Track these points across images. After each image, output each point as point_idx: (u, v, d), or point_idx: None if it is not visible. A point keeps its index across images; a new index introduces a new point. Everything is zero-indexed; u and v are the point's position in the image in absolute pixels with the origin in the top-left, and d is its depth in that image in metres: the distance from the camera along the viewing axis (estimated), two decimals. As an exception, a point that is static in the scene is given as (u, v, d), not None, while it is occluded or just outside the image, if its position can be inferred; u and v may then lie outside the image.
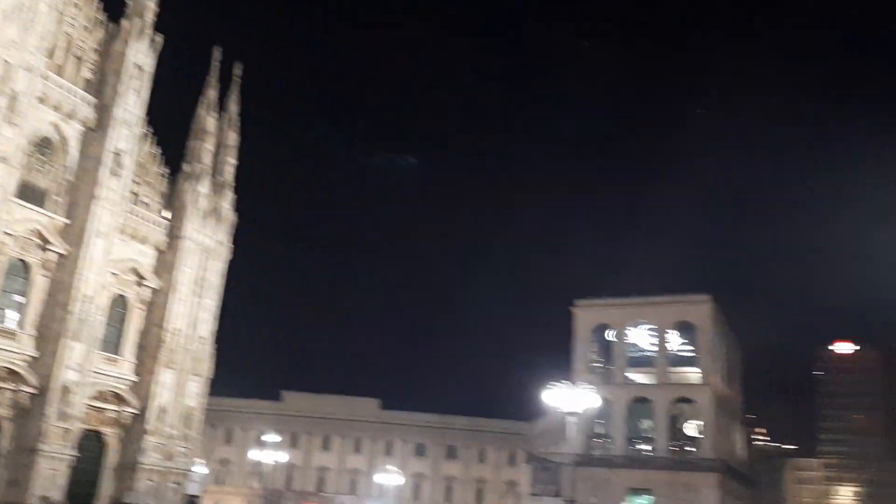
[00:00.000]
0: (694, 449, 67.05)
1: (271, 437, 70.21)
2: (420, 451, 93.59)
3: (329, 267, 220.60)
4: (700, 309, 68.60)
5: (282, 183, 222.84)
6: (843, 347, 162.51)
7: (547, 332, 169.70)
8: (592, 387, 49.45)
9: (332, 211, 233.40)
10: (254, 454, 75.77)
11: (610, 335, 71.82)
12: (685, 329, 69.53)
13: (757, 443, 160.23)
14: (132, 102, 45.82)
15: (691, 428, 68.67)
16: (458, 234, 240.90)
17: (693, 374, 68.72)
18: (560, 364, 69.63)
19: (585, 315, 71.91)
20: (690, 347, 69.54)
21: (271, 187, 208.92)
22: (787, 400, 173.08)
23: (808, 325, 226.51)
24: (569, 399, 44.61)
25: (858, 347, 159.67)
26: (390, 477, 77.56)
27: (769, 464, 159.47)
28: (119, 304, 46.88)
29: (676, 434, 69.03)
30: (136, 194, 48.37)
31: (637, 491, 64.15)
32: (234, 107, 55.89)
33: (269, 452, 69.22)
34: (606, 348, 72.43)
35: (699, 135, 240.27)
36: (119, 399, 45.44)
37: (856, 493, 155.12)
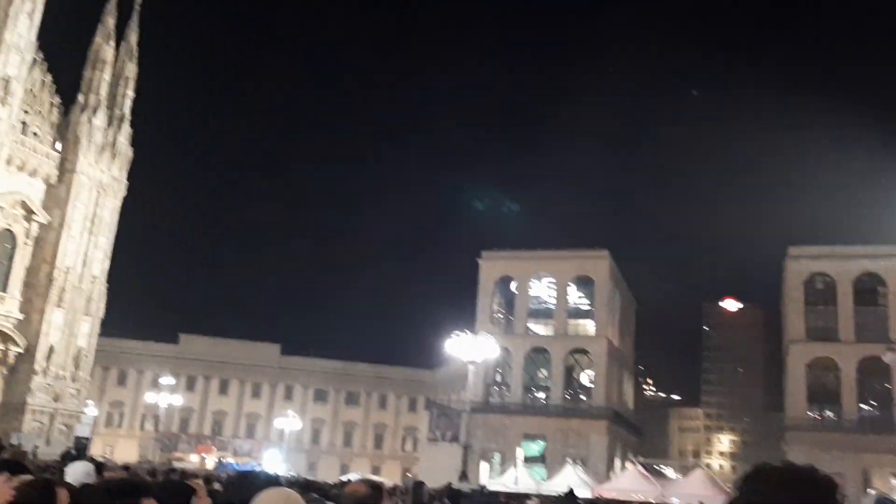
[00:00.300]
0: (586, 398, 69.87)
1: (167, 380, 68.77)
2: (320, 396, 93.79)
3: (232, 209, 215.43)
4: (598, 264, 70.77)
5: (182, 119, 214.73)
6: (730, 305, 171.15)
7: (453, 283, 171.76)
8: (493, 337, 50.80)
9: (237, 151, 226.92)
10: (149, 397, 74.22)
11: (513, 287, 73.28)
12: (584, 283, 71.69)
13: (645, 393, 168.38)
14: (23, 26, 42.95)
15: (585, 378, 71.46)
16: (367, 180, 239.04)
17: (589, 326, 71.23)
18: (464, 314, 70.81)
19: (490, 266, 73.06)
20: (588, 301, 71.87)
21: (172, 123, 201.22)
22: (675, 353, 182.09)
23: (698, 282, 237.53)
24: (470, 348, 45.56)
25: (743, 305, 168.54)
26: (289, 422, 77.57)
27: (656, 412, 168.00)
28: (6, 239, 44.53)
29: (571, 383, 71.69)
30: (25, 124, 45.66)
31: (531, 437, 66.45)
32: (133, 36, 53.15)
33: (165, 395, 67.92)
34: (509, 300, 73.95)
35: (602, 90, 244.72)
36: (4, 337, 43.47)
37: (733, 441, 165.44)
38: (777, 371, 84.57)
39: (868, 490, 52.17)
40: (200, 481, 6.82)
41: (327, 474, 68.01)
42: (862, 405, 61.95)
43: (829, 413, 63.19)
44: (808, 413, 63.37)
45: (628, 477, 40.42)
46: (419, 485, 13.99)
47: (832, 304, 63.68)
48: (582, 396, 70.80)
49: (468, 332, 47.09)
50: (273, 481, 3.74)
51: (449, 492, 13.45)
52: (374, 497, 4.30)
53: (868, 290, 63.21)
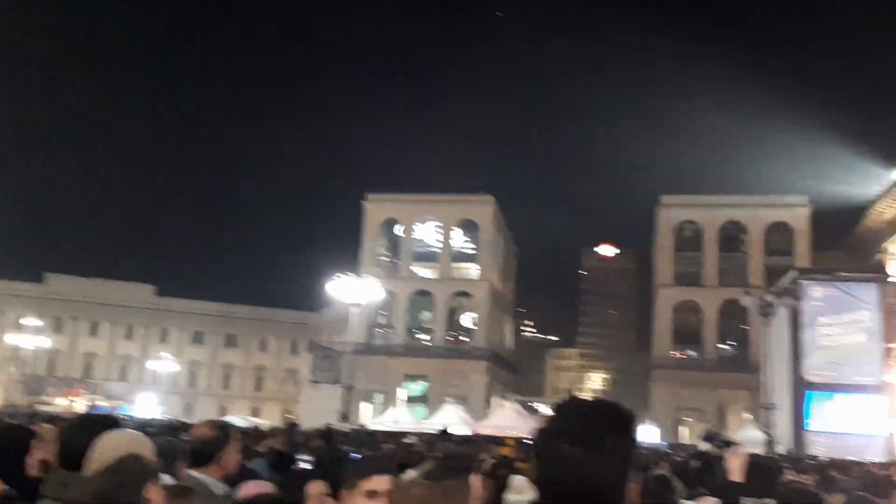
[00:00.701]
0: (468, 339, 71.40)
1: (32, 321, 65.20)
2: (198, 338, 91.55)
3: (107, 140, 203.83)
4: (483, 209, 71.65)
5: (54, 39, 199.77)
6: (606, 250, 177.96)
7: (338, 225, 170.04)
8: (378, 279, 50.83)
9: (117, 85, 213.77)
10: (12, 339, 70.30)
11: (398, 230, 73.25)
12: (468, 227, 72.51)
13: (525, 334, 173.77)
14: None
15: (467, 320, 72.88)
16: (250, 119, 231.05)
17: (473, 270, 72.40)
18: (348, 256, 70.33)
19: (375, 209, 72.63)
20: (472, 245, 72.86)
21: (51, 60, 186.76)
22: (554, 296, 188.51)
23: (577, 228, 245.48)
24: (353, 291, 45.38)
25: (618, 251, 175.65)
26: (164, 364, 75.40)
27: (534, 353, 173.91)
28: None
29: (453, 325, 72.99)
30: None
31: (413, 377, 67.44)
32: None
33: (30, 337, 64.46)
34: (394, 242, 73.97)
35: (490, 37, 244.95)
36: None
37: (604, 379, 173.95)
38: (647, 313, 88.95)
39: (705, 425, 56.11)
40: (49, 425, 6.40)
41: (205, 417, 66.62)
42: (721, 345, 66.25)
43: (691, 352, 67.23)
44: (673, 352, 67.23)
45: (504, 414, 41.79)
46: (292, 426, 13.86)
47: (699, 251, 67.26)
48: (464, 338, 72.24)
49: (352, 274, 47.01)
50: (115, 423, 3.47)
51: (322, 432, 13.39)
52: (219, 439, 4.14)
53: (731, 237, 67.06)
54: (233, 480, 4.18)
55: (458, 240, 73.38)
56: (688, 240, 68.19)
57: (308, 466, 5.76)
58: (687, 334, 66.75)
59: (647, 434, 57.67)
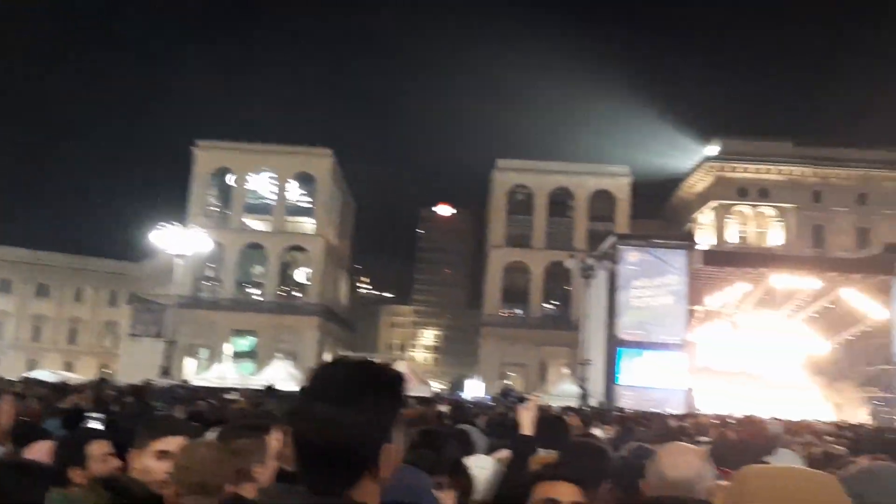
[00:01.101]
0: (301, 295, 70.42)
1: None
2: (4, 287, 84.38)
3: None
4: (321, 162, 70.37)
5: None
6: (444, 210, 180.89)
7: (165, 172, 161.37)
8: (206, 230, 48.83)
9: None
10: None
11: (230, 180, 70.53)
12: (304, 180, 71.02)
13: (360, 290, 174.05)
14: None
15: (301, 275, 71.79)
16: (77, 61, 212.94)
17: (308, 224, 71.16)
18: (176, 205, 66.99)
19: (206, 157, 69.39)
20: (308, 199, 71.50)
21: None
22: (390, 253, 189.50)
23: (416, 186, 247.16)
24: (179, 241, 43.32)
25: (455, 211, 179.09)
26: (-35, 315, 68.92)
27: (369, 309, 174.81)
28: None
29: (286, 280, 71.68)
30: None
31: (242, 332, 65.85)
32: None
33: None
34: (225, 193, 71.19)
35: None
36: None
37: (437, 336, 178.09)
38: (479, 272, 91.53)
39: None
40: None
41: (12, 370, 61.92)
42: (545, 304, 69.52)
43: (518, 311, 70.09)
44: (502, 311, 69.79)
45: (334, 370, 41.72)
46: (101, 381, 13.00)
47: (529, 214, 69.84)
48: (296, 293, 71.18)
49: (178, 224, 44.79)
50: None
51: (135, 388, 12.68)
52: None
53: (560, 202, 70.09)
54: (19, 440, 3.87)
55: (294, 193, 71.73)
56: (520, 203, 70.55)
57: (97, 425, 5.35)
58: (515, 293, 69.44)
59: (474, 388, 59.79)
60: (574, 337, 47.88)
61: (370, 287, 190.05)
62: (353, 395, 1.40)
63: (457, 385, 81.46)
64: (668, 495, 2.54)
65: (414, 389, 35.31)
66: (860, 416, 34.54)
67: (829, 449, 8.64)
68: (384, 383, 1.47)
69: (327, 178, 70.35)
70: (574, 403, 27.76)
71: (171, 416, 4.11)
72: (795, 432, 13.53)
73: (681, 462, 2.73)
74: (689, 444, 2.87)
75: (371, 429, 1.39)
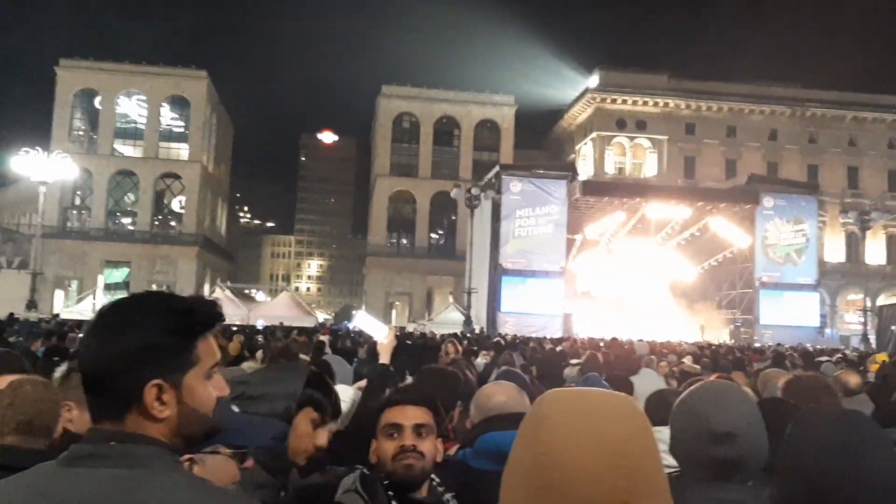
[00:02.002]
0: (177, 224, 67.80)
1: None
2: None
3: None
4: (195, 85, 66.98)
5: None
6: (326, 137, 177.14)
7: (26, 94, 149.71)
8: (72, 156, 45.77)
9: None
10: None
11: (97, 102, 66.18)
12: (178, 104, 67.54)
13: (241, 220, 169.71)
14: None
15: (176, 203, 68.93)
16: None
17: (183, 150, 68.01)
18: (40, 130, 62.48)
19: (70, 77, 64.62)
20: (182, 123, 68.18)
21: None
22: (272, 181, 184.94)
23: (298, 112, 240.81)
24: (42, 167, 40.53)
25: (338, 138, 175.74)
26: None
27: (250, 239, 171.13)
28: None
29: (161, 209, 68.72)
30: None
31: (114, 263, 63.11)
32: None
33: None
34: (93, 116, 66.82)
35: None
36: None
37: (321, 266, 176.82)
38: (364, 202, 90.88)
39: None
40: None
41: None
42: (431, 234, 69.99)
43: (404, 241, 70.26)
44: (388, 241, 69.76)
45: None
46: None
47: (415, 143, 69.41)
48: (172, 223, 68.47)
49: (41, 149, 41.81)
50: None
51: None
52: None
53: (446, 131, 69.95)
54: None
55: (167, 117, 68.16)
56: (405, 131, 69.93)
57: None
58: (401, 223, 69.47)
59: (362, 318, 59.87)
60: (460, 266, 48.56)
61: (251, 216, 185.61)
62: (114, 328, 1.38)
63: (344, 315, 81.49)
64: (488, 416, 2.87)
65: (297, 320, 35.06)
66: (722, 336, 36.98)
67: (687, 368, 9.09)
68: (159, 315, 1.39)
69: (202, 102, 67.16)
70: (459, 331, 28.25)
71: (8, 352, 3.75)
72: (660, 353, 14.25)
73: (497, 391, 3.05)
74: (507, 382, 3.20)
75: (124, 362, 1.34)
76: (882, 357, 14.76)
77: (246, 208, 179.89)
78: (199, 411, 1.43)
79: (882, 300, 50.28)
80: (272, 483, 2.36)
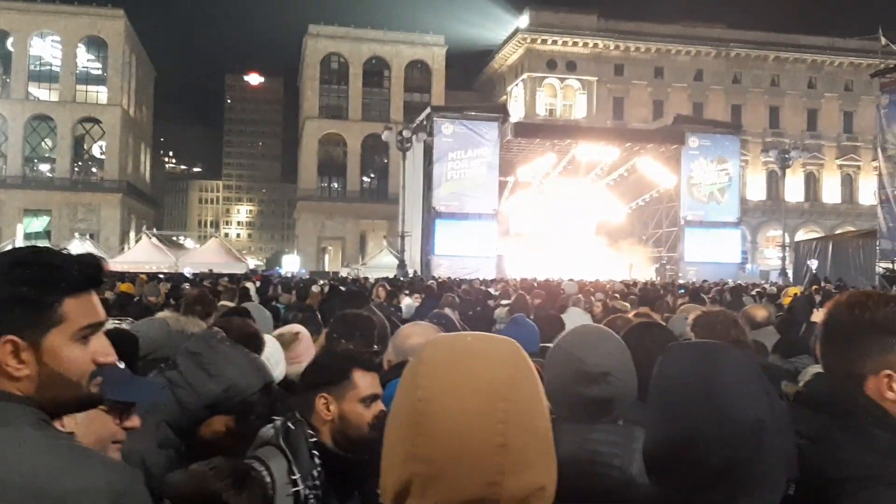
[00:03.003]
0: (98, 170, 65.50)
1: None
2: None
3: None
4: (113, 24, 64.02)
5: None
6: (253, 79, 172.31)
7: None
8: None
9: None
10: None
11: (9, 44, 62.66)
12: (95, 44, 64.55)
13: (166, 165, 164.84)
14: None
15: (97, 149, 66.45)
16: None
17: (101, 93, 65.28)
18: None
19: (-25, 16, 60.91)
20: (100, 65, 65.29)
21: None
22: (197, 125, 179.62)
23: (221, 53, 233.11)
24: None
25: (265, 80, 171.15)
26: None
27: (176, 185, 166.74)
28: None
29: (81, 155, 66.20)
30: None
31: (34, 212, 60.90)
32: None
33: None
34: (6, 59, 63.33)
35: None
36: None
37: (250, 211, 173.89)
38: (294, 145, 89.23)
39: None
40: None
41: None
42: (364, 177, 69.38)
43: (335, 184, 69.50)
44: (319, 185, 68.88)
45: (141, 249, 39.93)
46: None
47: (344, 84, 68.12)
48: (94, 169, 66.09)
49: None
50: None
51: None
52: None
53: (375, 72, 68.80)
54: None
55: (84, 58, 65.09)
56: (334, 72, 68.52)
57: None
58: (332, 166, 68.58)
59: (291, 263, 59.46)
60: (393, 209, 48.40)
61: (177, 162, 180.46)
62: None
63: (274, 260, 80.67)
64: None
65: (227, 266, 34.57)
66: (649, 274, 38.08)
67: (618, 305, 9.39)
68: (19, 268, 1.34)
69: (120, 43, 64.31)
70: (393, 274, 28.35)
71: None
72: (589, 292, 14.61)
73: (414, 332, 3.06)
74: (428, 324, 3.22)
75: None
76: (794, 290, 15.53)
77: (171, 153, 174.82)
78: (64, 375, 1.33)
79: (800, 236, 52.49)
80: (177, 444, 2.28)
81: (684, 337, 4.03)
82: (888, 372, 1.61)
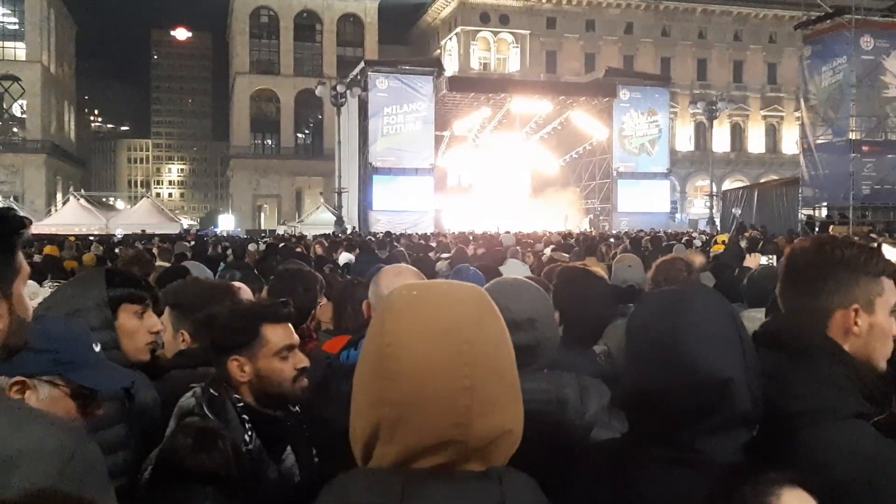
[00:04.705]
0: (20, 130, 63.01)
1: None
2: None
3: None
4: (28, -24, 61.10)
5: None
6: (180, 34, 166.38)
7: None
8: None
9: None
10: None
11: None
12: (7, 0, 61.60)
13: (92, 124, 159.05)
14: None
15: (17, 108, 63.83)
16: None
17: (20, 50, 62.47)
18: None
19: None
20: (16, 20, 62.34)
21: None
22: (123, 83, 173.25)
23: (146, 7, 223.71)
24: None
25: (193, 34, 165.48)
26: None
27: (103, 145, 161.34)
28: None
29: (1, 114, 63.49)
30: None
31: (-48, 176, 58.32)
32: None
33: None
34: None
35: None
36: None
37: (181, 170, 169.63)
38: (225, 101, 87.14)
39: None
40: None
41: None
42: (298, 134, 68.43)
43: (269, 141, 68.41)
44: (252, 142, 67.70)
45: (69, 211, 38.91)
46: None
47: (275, 38, 66.65)
48: (15, 129, 63.52)
49: None
50: None
51: None
52: None
53: (307, 26, 67.43)
54: None
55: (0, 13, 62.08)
56: (264, 26, 66.92)
57: None
58: (265, 123, 67.40)
59: (226, 222, 58.68)
60: (329, 165, 48.05)
61: (103, 121, 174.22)
62: None
63: (209, 220, 79.33)
64: None
65: (160, 227, 34.06)
66: (583, 225, 38.96)
67: (556, 256, 9.76)
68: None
69: (38, -4, 61.46)
70: (331, 231, 28.41)
71: None
72: (526, 244, 15.02)
73: (395, 281, 2.80)
74: (407, 266, 2.94)
75: None
76: (723, 238, 16.29)
77: (97, 112, 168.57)
78: (25, 322, 1.33)
79: (726, 185, 54.08)
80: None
81: (628, 283, 4.45)
82: (856, 306, 1.66)
